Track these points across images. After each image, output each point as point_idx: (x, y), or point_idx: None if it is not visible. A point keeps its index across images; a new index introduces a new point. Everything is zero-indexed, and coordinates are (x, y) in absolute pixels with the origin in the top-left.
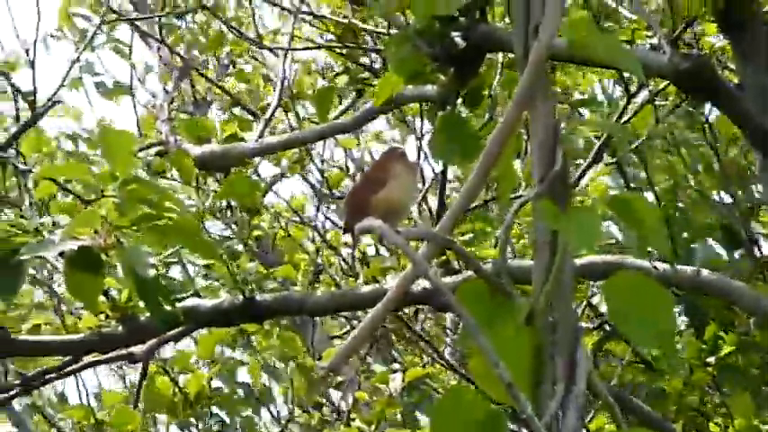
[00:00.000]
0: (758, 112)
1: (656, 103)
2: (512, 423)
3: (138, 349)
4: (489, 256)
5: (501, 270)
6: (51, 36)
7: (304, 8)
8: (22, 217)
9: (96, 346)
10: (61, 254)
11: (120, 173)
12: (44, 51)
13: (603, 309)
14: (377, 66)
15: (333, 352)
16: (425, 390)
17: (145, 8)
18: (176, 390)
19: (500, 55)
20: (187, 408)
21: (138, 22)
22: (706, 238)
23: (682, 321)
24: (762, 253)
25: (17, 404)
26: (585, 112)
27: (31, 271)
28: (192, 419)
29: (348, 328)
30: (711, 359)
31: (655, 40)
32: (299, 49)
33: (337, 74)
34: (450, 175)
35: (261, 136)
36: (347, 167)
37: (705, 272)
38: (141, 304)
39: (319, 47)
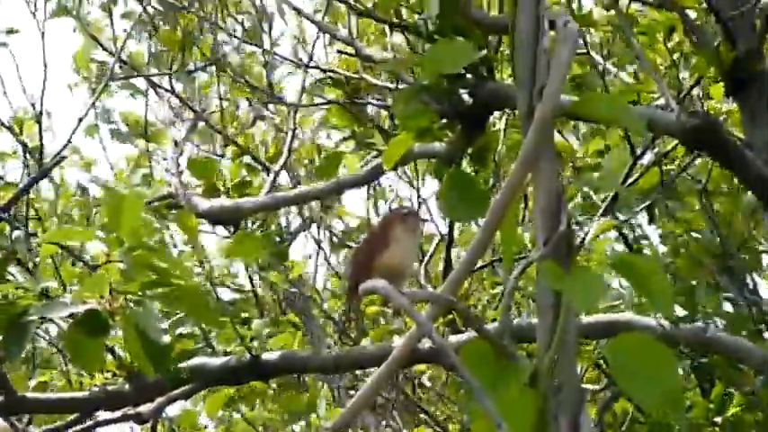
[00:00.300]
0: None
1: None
2: None
3: (145, 408)
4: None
5: (504, 332)
6: (68, 87)
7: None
8: (29, 273)
9: (103, 404)
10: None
11: (127, 239)
12: (60, 99)
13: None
14: (384, 125)
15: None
16: None
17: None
18: None
19: (503, 118)
20: None
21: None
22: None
23: (687, 381)
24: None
25: None
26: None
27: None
28: None
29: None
30: (719, 419)
31: (661, 101)
32: (308, 105)
33: (344, 138)
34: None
35: (270, 190)
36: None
37: (712, 328)
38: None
39: (328, 102)
